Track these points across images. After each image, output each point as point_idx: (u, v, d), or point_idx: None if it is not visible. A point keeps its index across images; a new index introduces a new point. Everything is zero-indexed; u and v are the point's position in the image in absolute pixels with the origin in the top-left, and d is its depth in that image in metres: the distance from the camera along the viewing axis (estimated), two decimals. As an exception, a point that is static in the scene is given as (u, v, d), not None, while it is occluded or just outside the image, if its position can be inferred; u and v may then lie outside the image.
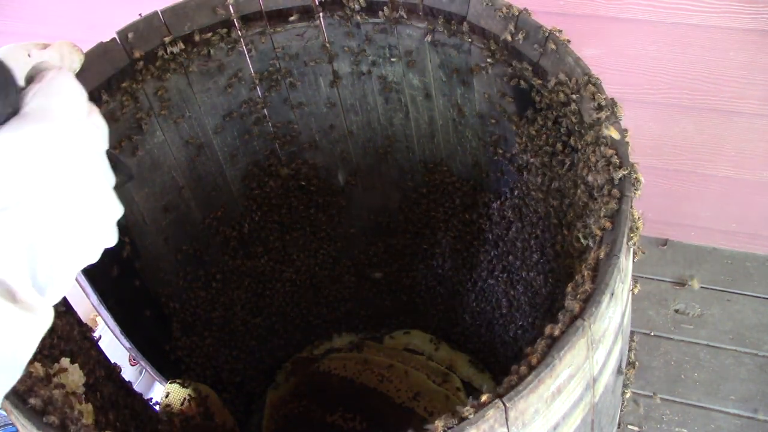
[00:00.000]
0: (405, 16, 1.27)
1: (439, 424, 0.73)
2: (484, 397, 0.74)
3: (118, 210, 0.76)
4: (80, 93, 0.74)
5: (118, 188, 0.95)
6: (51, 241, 0.67)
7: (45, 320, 0.65)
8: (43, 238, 0.66)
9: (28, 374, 0.86)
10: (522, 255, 1.45)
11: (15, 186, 0.65)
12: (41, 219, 0.66)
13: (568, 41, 1.08)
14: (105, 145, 0.75)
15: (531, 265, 1.43)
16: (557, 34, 1.08)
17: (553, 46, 1.08)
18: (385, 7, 1.27)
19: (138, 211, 1.38)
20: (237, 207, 1.55)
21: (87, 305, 1.36)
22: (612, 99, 0.96)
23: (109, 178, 0.76)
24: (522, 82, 1.18)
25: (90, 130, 0.73)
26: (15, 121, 0.67)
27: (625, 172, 0.92)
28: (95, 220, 0.72)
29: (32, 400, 0.81)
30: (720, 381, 1.76)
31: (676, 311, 1.91)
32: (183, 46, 1.27)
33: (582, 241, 1.00)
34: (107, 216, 0.74)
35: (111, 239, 0.76)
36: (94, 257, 0.75)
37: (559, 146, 1.16)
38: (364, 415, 1.65)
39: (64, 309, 1.15)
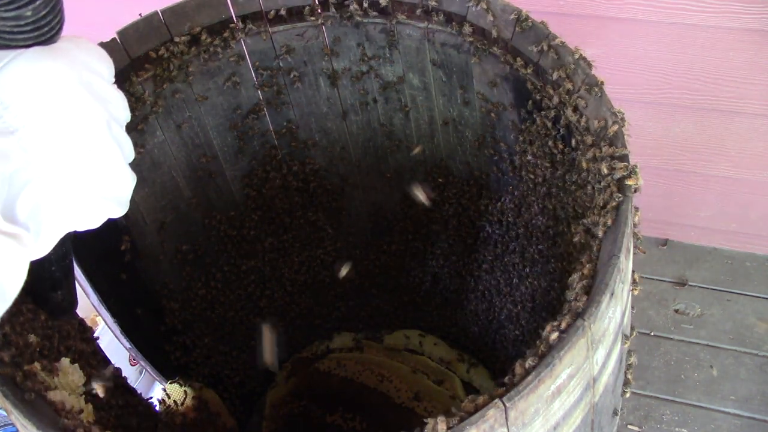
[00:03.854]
0: (405, 17, 1.27)
1: (439, 425, 0.73)
2: (482, 398, 0.74)
3: (128, 182, 0.75)
4: (108, 60, 0.75)
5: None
6: (38, 182, 0.66)
7: (26, 253, 0.65)
8: (25, 174, 0.65)
9: (28, 374, 0.86)
10: (522, 255, 1.45)
11: (17, 110, 0.65)
12: (32, 155, 0.65)
13: (563, 42, 1.08)
14: (125, 114, 0.75)
15: (531, 264, 1.43)
16: (557, 39, 1.09)
17: (553, 46, 1.08)
18: (385, 8, 1.27)
19: (138, 211, 1.38)
20: (237, 207, 1.55)
21: (87, 305, 1.36)
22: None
23: (126, 151, 0.75)
24: (522, 82, 1.18)
25: (110, 92, 0.73)
26: (42, 49, 0.69)
27: (625, 173, 0.92)
28: (98, 183, 0.71)
29: (32, 401, 0.81)
30: (720, 381, 1.76)
31: (676, 311, 1.91)
32: (183, 46, 1.27)
33: (582, 240, 1.00)
34: (113, 184, 0.73)
35: (116, 210, 0.75)
36: (92, 221, 0.74)
37: (559, 146, 1.16)
38: (364, 415, 1.65)
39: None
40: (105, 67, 0.74)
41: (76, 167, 0.69)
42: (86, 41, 0.74)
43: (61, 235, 0.71)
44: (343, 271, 1.63)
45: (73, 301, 1.01)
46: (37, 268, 0.94)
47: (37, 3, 0.65)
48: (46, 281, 0.95)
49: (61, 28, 0.70)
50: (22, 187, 0.65)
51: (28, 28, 0.66)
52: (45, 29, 0.68)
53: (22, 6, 0.64)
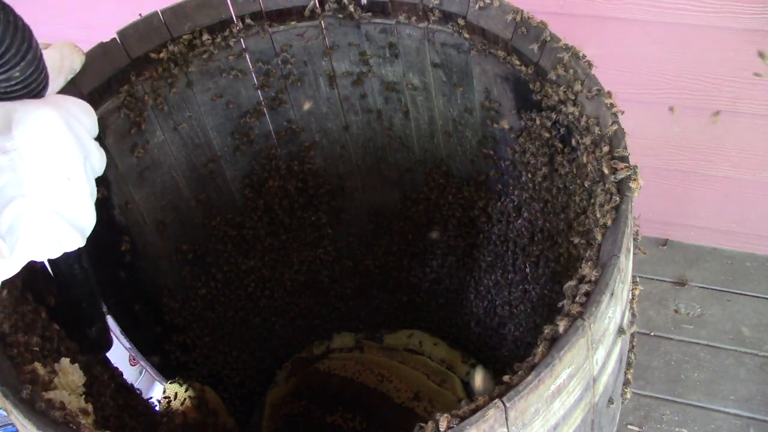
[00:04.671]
0: (405, 17, 1.27)
1: (440, 424, 0.73)
2: (482, 398, 0.74)
3: (91, 217, 0.83)
4: (93, 116, 0.85)
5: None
6: (22, 200, 0.74)
7: (2, 265, 0.73)
8: (12, 191, 0.73)
9: (28, 374, 0.86)
10: (522, 255, 1.45)
11: (11, 136, 0.74)
12: (20, 175, 0.74)
13: (564, 43, 1.08)
14: (100, 166, 0.85)
15: (531, 264, 1.43)
16: (557, 39, 1.09)
17: (553, 46, 1.08)
18: (385, 8, 1.27)
19: (138, 211, 1.38)
20: (237, 207, 1.55)
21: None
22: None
23: (92, 193, 0.84)
24: (522, 83, 1.18)
25: (90, 142, 0.83)
26: (36, 100, 0.79)
27: (625, 173, 0.92)
28: (69, 211, 0.80)
29: (32, 400, 0.81)
30: (720, 381, 1.76)
31: (676, 311, 1.91)
32: (183, 47, 1.27)
33: (582, 240, 1.00)
34: (81, 215, 0.81)
35: (78, 241, 0.83)
36: (56, 248, 0.81)
37: (558, 146, 1.16)
38: (364, 415, 1.65)
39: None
40: (89, 121, 0.84)
41: (55, 192, 0.77)
42: (75, 98, 0.85)
43: (28, 260, 0.79)
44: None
45: (109, 340, 1.10)
46: (71, 307, 1.03)
47: (23, 64, 0.75)
48: (81, 319, 1.01)
49: (47, 85, 0.81)
50: (7, 202, 0.73)
51: (18, 86, 0.77)
52: (33, 85, 0.78)
53: (10, 69, 0.74)
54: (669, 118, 1.73)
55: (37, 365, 0.89)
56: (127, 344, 1.46)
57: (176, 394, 1.55)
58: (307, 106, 1.45)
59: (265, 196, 1.57)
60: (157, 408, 1.51)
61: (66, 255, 0.84)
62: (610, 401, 1.01)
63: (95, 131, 0.85)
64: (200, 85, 1.34)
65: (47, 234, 0.79)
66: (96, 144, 0.85)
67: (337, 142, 1.54)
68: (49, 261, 0.97)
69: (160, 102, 1.30)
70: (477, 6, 1.17)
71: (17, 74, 0.75)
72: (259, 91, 1.42)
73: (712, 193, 1.87)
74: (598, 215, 0.91)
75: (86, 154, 0.82)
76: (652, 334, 1.87)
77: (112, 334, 1.14)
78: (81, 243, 0.83)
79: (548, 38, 1.09)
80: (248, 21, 1.30)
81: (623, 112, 0.99)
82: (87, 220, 0.83)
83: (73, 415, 0.81)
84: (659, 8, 1.51)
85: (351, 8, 1.29)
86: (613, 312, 0.86)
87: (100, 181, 1.26)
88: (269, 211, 1.59)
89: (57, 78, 1.06)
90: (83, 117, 0.83)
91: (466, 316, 1.73)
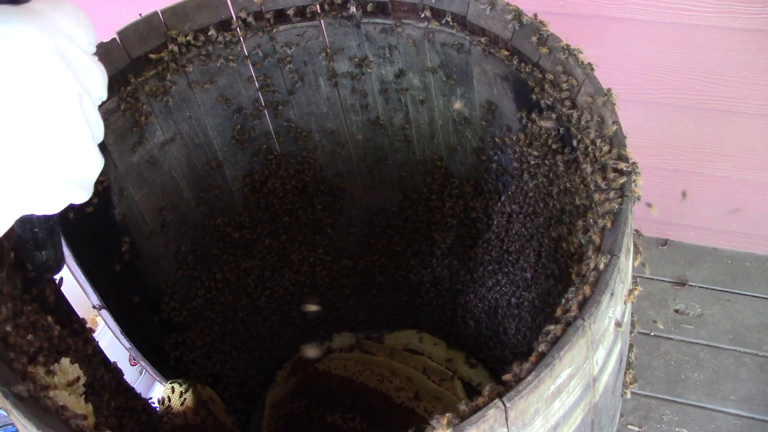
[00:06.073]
0: (405, 17, 1.27)
1: (441, 422, 0.73)
2: (482, 398, 0.74)
3: (95, 164, 0.67)
4: (89, 26, 0.67)
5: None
6: None
7: None
8: None
9: (28, 374, 0.86)
10: (522, 254, 1.45)
11: None
12: None
13: (564, 44, 1.08)
14: (101, 90, 0.67)
15: (531, 264, 1.42)
16: (557, 39, 1.09)
17: (552, 46, 1.08)
18: (385, 8, 1.27)
19: (138, 211, 1.38)
20: (237, 207, 1.55)
21: (87, 305, 1.36)
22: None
23: (96, 131, 0.67)
24: (522, 83, 1.18)
25: (87, 63, 0.65)
26: (12, 9, 0.60)
27: (624, 172, 0.92)
28: (61, 164, 0.63)
29: (32, 400, 0.81)
30: (720, 381, 1.76)
31: (676, 311, 1.91)
32: (183, 47, 1.27)
33: (582, 240, 1.00)
34: (78, 166, 0.65)
35: (79, 195, 0.67)
36: (51, 206, 0.66)
37: (558, 146, 1.16)
38: (364, 415, 1.65)
39: (64, 309, 1.15)
40: (84, 34, 0.66)
41: (38, 144, 0.61)
42: (66, 2, 0.65)
43: (15, 218, 0.65)
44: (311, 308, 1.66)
45: (59, 261, 1.00)
46: (20, 228, 0.91)
47: None
48: (30, 241, 0.96)
49: None
50: None
51: None
52: None
53: None
54: (669, 118, 1.73)
55: (38, 366, 0.89)
56: (127, 344, 1.46)
57: (176, 393, 1.55)
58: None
59: (265, 196, 1.57)
60: (157, 408, 1.51)
61: None
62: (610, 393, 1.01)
63: (92, 44, 0.67)
64: (200, 85, 1.34)
65: (34, 192, 0.63)
66: (93, 62, 0.66)
67: (336, 142, 1.54)
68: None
69: (160, 102, 1.30)
70: (477, 6, 1.17)
71: None
72: (259, 91, 1.42)
73: (712, 193, 1.87)
74: (599, 215, 0.91)
75: (82, 86, 0.63)
76: (652, 334, 1.87)
77: (65, 257, 1.08)
78: (85, 196, 0.67)
79: (548, 38, 1.09)
80: (248, 21, 1.31)
81: (614, 95, 0.98)
82: (88, 168, 0.65)
83: (72, 415, 0.81)
84: (659, 8, 1.51)
85: (351, 9, 1.29)
86: (613, 312, 0.86)
87: (100, 181, 1.27)
88: (269, 211, 1.59)
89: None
90: (75, 30, 0.64)
91: (466, 316, 1.73)
